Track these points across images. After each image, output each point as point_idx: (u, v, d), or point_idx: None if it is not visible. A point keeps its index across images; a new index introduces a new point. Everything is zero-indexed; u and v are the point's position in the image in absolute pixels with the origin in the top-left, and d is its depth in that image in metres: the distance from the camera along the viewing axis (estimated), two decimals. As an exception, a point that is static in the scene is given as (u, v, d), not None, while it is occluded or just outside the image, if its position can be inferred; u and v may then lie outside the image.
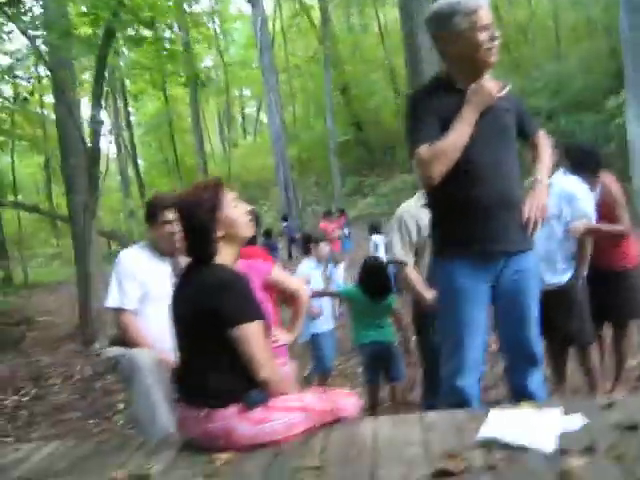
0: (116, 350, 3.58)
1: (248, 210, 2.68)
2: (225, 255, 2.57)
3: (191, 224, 2.54)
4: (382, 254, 10.12)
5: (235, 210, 2.60)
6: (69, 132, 11.21)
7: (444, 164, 2.74)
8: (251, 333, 2.43)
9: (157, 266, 3.70)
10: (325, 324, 5.42)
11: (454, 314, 2.92)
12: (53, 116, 20.86)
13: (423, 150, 2.75)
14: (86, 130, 11.57)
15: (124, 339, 3.60)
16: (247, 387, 2.46)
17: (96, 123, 9.82)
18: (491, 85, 2.80)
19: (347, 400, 2.68)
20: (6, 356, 11.64)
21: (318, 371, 5.43)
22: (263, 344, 2.49)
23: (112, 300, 3.66)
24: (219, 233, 2.54)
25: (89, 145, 10.56)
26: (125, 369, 3.42)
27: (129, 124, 35.56)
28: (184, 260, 3.50)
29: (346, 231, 15.81)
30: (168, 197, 3.78)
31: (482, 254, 2.87)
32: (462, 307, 2.89)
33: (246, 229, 2.65)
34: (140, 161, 37.90)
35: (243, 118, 46.93)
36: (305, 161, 32.63)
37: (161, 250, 3.73)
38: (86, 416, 7.22)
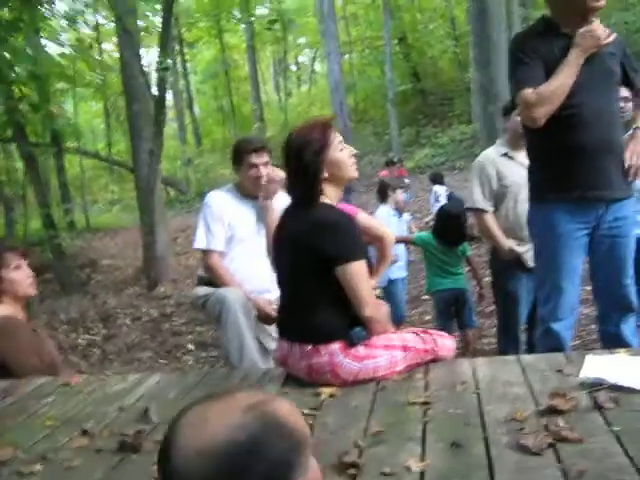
0: (205, 289, 3.66)
1: (354, 154, 2.68)
2: (328, 196, 2.58)
3: (298, 164, 2.54)
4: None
5: (342, 152, 2.59)
6: (135, 79, 11.32)
7: (549, 107, 2.73)
8: (356, 271, 2.46)
9: (243, 208, 3.74)
10: (400, 271, 5.45)
11: (552, 259, 2.93)
12: (111, 63, 21.01)
13: (528, 93, 2.75)
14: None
15: (212, 280, 3.68)
16: (350, 324, 2.52)
17: (163, 69, 9.85)
18: (599, 30, 2.76)
19: (444, 341, 2.72)
20: (73, 298, 11.99)
21: (392, 317, 5.47)
22: (367, 282, 2.53)
23: (200, 241, 3.71)
24: (324, 174, 2.54)
25: (154, 91, 10.68)
26: (214, 306, 3.48)
27: (185, 72, 35.55)
28: (273, 202, 3.56)
29: (407, 181, 15.68)
30: (253, 141, 3.80)
31: (583, 200, 2.86)
32: (561, 253, 2.90)
33: (351, 172, 2.64)
34: (196, 109, 37.90)
35: (298, 67, 46.42)
36: (361, 111, 32.23)
37: (247, 192, 3.75)
38: (157, 355, 7.44)
